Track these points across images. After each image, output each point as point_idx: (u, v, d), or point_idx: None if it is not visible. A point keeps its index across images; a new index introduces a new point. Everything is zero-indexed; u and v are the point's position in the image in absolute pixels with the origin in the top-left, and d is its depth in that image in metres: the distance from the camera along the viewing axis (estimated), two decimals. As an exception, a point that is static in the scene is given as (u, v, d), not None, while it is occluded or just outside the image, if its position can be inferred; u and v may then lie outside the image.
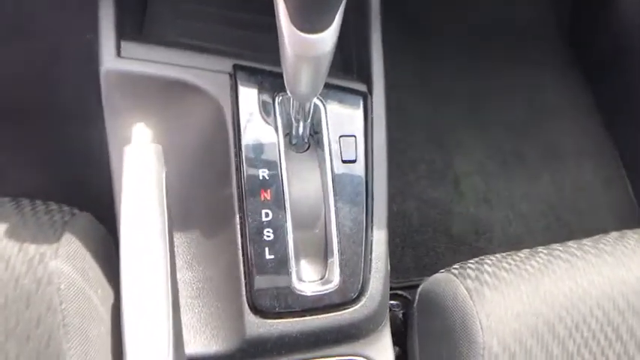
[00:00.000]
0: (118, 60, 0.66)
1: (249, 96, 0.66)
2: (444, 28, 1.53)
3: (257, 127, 0.65)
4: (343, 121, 0.68)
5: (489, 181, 1.38)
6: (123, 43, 0.68)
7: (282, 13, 0.50)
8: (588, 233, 0.83)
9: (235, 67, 0.66)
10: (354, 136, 0.68)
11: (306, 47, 0.49)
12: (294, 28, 0.49)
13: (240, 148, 0.64)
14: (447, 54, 1.51)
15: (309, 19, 0.49)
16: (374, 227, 0.66)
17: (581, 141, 1.52)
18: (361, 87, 0.71)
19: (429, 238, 1.25)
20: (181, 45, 0.71)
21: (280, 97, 0.67)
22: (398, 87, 1.25)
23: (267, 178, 0.64)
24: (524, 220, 1.39)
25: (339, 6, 0.49)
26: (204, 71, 0.66)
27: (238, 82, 0.65)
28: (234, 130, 0.65)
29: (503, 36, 1.56)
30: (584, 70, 1.59)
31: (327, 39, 0.50)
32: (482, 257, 0.75)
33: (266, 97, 0.66)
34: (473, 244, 1.29)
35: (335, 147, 0.67)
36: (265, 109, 0.66)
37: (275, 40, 0.51)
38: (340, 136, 0.67)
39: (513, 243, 1.34)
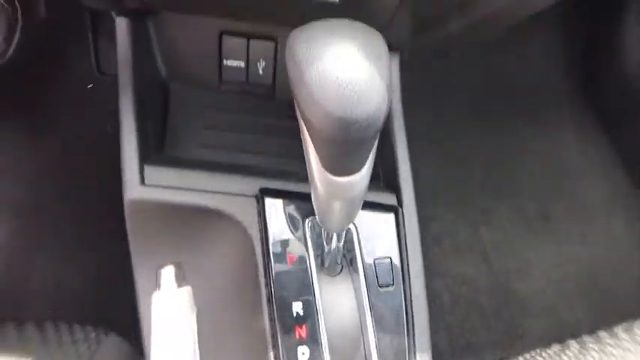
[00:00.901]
0: (142, 188, 0.66)
1: (277, 221, 0.65)
2: (456, 92, 1.53)
3: (287, 253, 0.63)
4: (376, 241, 0.66)
5: (518, 249, 1.34)
6: (146, 168, 0.68)
7: (313, 157, 0.49)
8: (627, 297, 0.78)
9: (262, 190, 0.66)
10: (390, 258, 0.66)
11: (339, 189, 0.48)
12: (326, 172, 0.48)
13: (270, 278, 0.62)
14: (461, 117, 1.51)
15: (342, 164, 0.48)
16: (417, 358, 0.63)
17: (607, 196, 1.48)
18: (390, 199, 0.70)
19: (462, 318, 1.20)
20: (204, 165, 0.71)
21: (310, 222, 0.66)
22: (412, 155, 1.24)
23: (302, 312, 0.61)
24: (559, 287, 1.34)
25: (371, 151, 0.48)
26: (229, 196, 0.66)
27: (266, 207, 0.64)
28: (263, 257, 0.63)
29: (516, 96, 1.56)
30: (601, 123, 1.57)
31: (359, 181, 0.49)
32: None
33: (295, 221, 0.65)
34: (508, 319, 1.24)
35: (370, 271, 0.65)
36: (295, 234, 0.65)
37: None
38: (375, 259, 0.65)
39: (549, 313, 1.28)
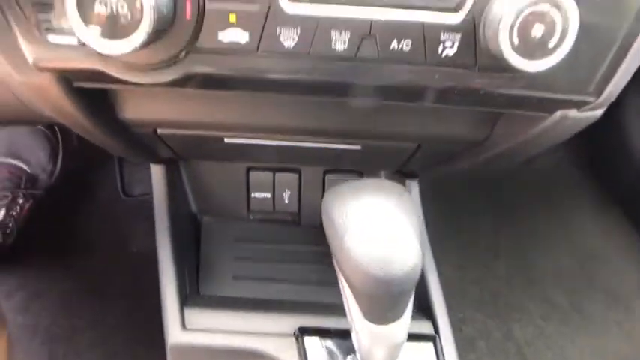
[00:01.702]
0: (184, 333, 0.68)
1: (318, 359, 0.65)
2: (469, 184, 1.57)
3: None
4: None
5: (554, 343, 1.30)
6: (186, 312, 0.70)
7: (354, 307, 0.51)
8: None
9: (301, 329, 0.67)
10: None
11: (381, 337, 0.50)
12: (368, 322, 0.50)
13: None
14: (476, 209, 1.53)
15: (383, 314, 0.50)
16: None
17: (637, 280, 1.46)
18: (426, 326, 0.71)
19: None
20: (241, 304, 0.73)
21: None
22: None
23: None
24: (602, 381, 1.29)
25: (410, 298, 0.50)
26: (269, 336, 0.67)
27: (305, 346, 0.65)
28: None
29: (529, 184, 1.59)
30: (618, 205, 1.58)
31: (400, 327, 0.51)
32: None
33: (336, 359, 0.65)
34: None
35: None
36: None
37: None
38: None
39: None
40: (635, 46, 0.55)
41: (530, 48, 0.48)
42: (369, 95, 0.56)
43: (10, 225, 1.47)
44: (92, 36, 0.47)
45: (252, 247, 0.89)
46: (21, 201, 1.52)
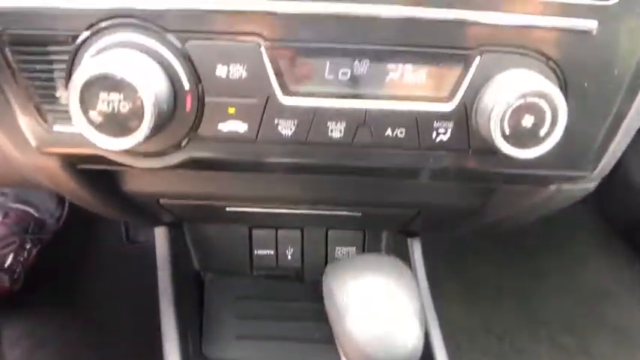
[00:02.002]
0: None
1: None
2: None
3: None
4: None
5: (564, 388, 1.29)
6: None
7: None
8: None
9: None
10: None
11: None
12: None
13: None
14: (479, 249, 1.52)
15: None
16: None
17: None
18: None
19: None
20: None
21: None
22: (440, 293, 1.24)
23: None
24: None
25: None
26: None
27: None
28: None
29: (534, 224, 1.58)
30: (623, 241, 1.57)
31: None
32: None
33: None
34: None
35: None
36: None
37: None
38: None
39: None
40: (626, 121, 0.56)
41: (522, 137, 0.49)
42: (365, 175, 0.58)
43: (18, 270, 1.49)
44: (94, 134, 0.48)
45: (255, 305, 0.89)
46: (28, 246, 1.54)
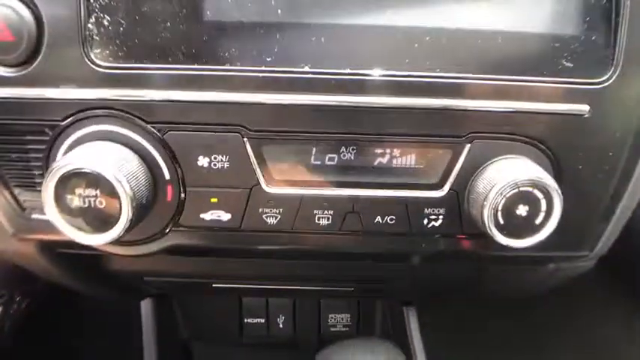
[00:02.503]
0: None
1: None
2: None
3: None
4: None
5: None
6: None
7: None
8: None
9: None
10: None
11: None
12: None
13: None
14: (489, 305, 1.48)
15: None
16: None
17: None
18: None
19: None
20: None
21: None
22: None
23: None
24: None
25: None
26: None
27: None
28: None
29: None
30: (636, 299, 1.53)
31: None
32: None
33: None
34: None
35: None
36: None
37: None
38: None
39: None
40: (623, 201, 0.54)
41: (516, 227, 0.47)
42: (354, 260, 0.55)
43: (7, 325, 1.44)
44: (70, 229, 0.46)
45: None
46: (18, 298, 1.50)
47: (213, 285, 0.70)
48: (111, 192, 0.45)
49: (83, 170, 0.45)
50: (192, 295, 0.82)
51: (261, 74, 0.47)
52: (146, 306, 0.80)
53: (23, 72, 0.48)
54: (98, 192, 0.45)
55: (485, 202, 0.47)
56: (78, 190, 0.46)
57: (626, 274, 1.53)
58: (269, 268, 0.65)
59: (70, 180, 0.45)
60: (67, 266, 0.60)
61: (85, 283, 0.65)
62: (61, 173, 0.45)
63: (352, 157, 0.50)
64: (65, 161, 0.45)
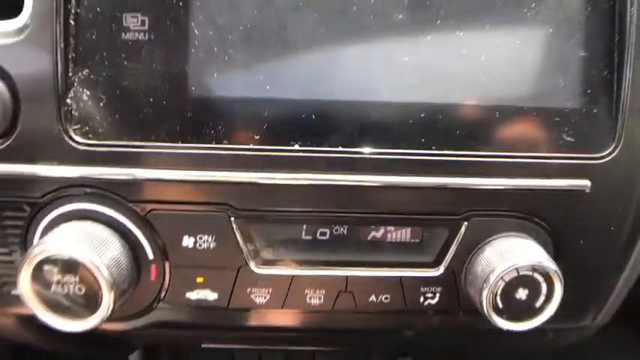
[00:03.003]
0: None
1: None
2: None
3: None
4: None
5: None
6: None
7: None
8: None
9: None
10: None
11: None
12: None
13: None
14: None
15: None
16: None
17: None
18: None
19: None
20: None
21: None
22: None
23: None
24: None
25: None
26: None
27: None
28: None
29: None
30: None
31: None
32: None
33: None
34: None
35: None
36: None
37: None
38: None
39: None
40: (625, 273, 0.52)
41: (516, 310, 0.45)
42: (347, 340, 0.53)
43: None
44: (48, 316, 0.44)
45: None
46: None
47: (203, 346, 0.67)
48: (91, 279, 0.43)
49: (61, 257, 0.42)
50: (183, 350, 0.80)
51: (248, 152, 0.45)
52: (134, 357, 0.77)
53: None
54: (77, 279, 0.43)
55: (484, 285, 0.45)
56: (56, 277, 0.43)
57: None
58: (259, 333, 0.63)
59: (47, 266, 0.43)
60: (49, 335, 0.58)
61: (70, 347, 0.62)
62: (38, 259, 0.42)
63: (345, 232, 0.48)
64: (42, 247, 0.43)
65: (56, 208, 0.47)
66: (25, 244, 0.48)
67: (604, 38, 0.46)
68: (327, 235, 0.48)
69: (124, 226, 0.46)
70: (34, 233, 0.48)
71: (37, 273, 0.43)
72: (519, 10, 0.45)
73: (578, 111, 0.46)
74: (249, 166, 0.45)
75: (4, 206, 0.48)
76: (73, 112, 0.45)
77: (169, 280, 0.48)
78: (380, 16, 0.44)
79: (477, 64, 0.45)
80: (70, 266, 0.43)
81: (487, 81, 0.45)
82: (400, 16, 0.44)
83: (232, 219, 0.46)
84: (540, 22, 0.45)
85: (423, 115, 0.45)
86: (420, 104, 0.45)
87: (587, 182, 0.47)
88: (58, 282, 0.44)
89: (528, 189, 0.46)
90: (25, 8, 0.45)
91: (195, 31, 0.44)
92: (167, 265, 0.47)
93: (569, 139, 0.46)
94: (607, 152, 0.47)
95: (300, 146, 0.45)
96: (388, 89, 0.44)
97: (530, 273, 0.44)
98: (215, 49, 0.44)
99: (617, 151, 0.47)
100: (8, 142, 0.45)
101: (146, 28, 0.44)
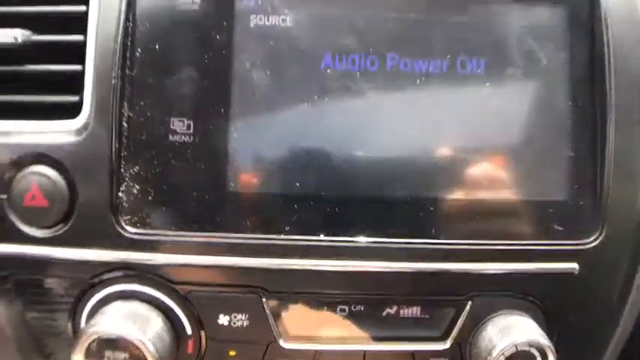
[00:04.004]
0: None
1: None
2: None
3: None
4: None
5: None
6: None
7: None
8: None
9: None
10: None
11: None
12: None
13: None
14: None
15: None
16: None
17: None
18: None
19: None
20: None
21: None
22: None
23: None
24: None
25: None
26: None
27: None
28: None
29: None
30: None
31: None
32: None
33: None
34: None
35: None
36: None
37: None
38: None
39: None
40: (614, 339, 0.58)
41: None
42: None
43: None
44: None
45: None
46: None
47: None
48: (138, 353, 0.48)
49: (111, 336, 0.48)
50: None
51: (279, 242, 0.51)
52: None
53: (54, 233, 0.51)
54: (126, 355, 0.48)
55: (487, 359, 0.51)
56: (107, 354, 0.49)
57: None
58: None
59: (99, 344, 0.48)
60: None
61: None
62: (90, 340, 0.48)
63: (362, 309, 0.54)
64: (94, 328, 0.48)
65: (104, 288, 0.52)
66: (73, 320, 0.54)
67: (588, 140, 0.53)
68: (346, 312, 0.54)
69: (166, 304, 0.51)
70: (83, 309, 0.53)
71: (90, 351, 0.48)
72: (513, 119, 0.52)
73: (566, 203, 0.53)
74: (280, 255, 0.51)
75: (56, 284, 0.53)
76: (123, 203, 0.51)
77: (205, 352, 0.53)
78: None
79: (479, 164, 0.52)
80: (119, 343, 0.48)
81: (488, 179, 0.52)
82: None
83: (264, 300, 0.52)
84: (533, 127, 0.53)
85: (432, 209, 0.52)
86: (430, 199, 0.52)
87: (575, 265, 0.53)
88: (109, 358, 0.49)
89: (523, 272, 0.53)
90: (83, 111, 0.51)
91: (235, 134, 0.51)
92: (203, 339, 0.52)
93: (558, 227, 0.53)
94: (593, 238, 0.53)
95: (324, 236, 0.51)
96: (400, 188, 0.51)
97: (527, 348, 0.50)
98: (251, 151, 0.51)
99: (601, 237, 0.53)
100: (64, 229, 0.51)
101: (191, 131, 0.51)
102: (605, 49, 0.54)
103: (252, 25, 0.51)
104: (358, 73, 0.51)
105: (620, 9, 0.56)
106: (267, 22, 0.51)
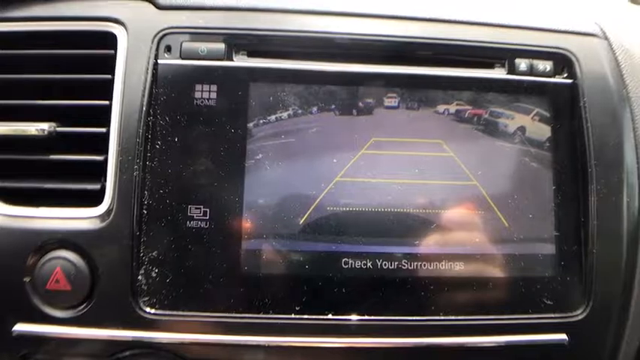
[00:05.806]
0: None
1: None
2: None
3: None
4: None
5: None
6: None
7: None
8: None
9: None
10: None
11: None
12: None
13: None
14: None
15: None
16: None
17: None
18: None
19: None
20: None
21: None
22: None
23: None
24: None
25: None
26: None
27: None
28: None
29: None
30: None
31: None
32: None
33: None
34: None
35: None
36: None
37: None
38: None
39: None
40: None
41: None
42: None
43: None
44: None
45: None
46: None
47: None
48: None
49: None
50: None
51: (290, 321, 0.54)
52: None
53: (75, 314, 0.54)
54: None
55: None
56: None
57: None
58: None
59: None
60: None
61: None
62: None
63: None
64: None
65: None
66: None
67: (573, 221, 0.58)
68: None
69: None
70: None
71: None
72: (505, 202, 0.57)
73: (555, 278, 0.57)
74: (291, 333, 0.54)
75: None
76: (142, 286, 0.54)
77: None
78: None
79: (472, 243, 0.56)
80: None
81: (482, 258, 0.57)
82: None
83: None
84: (523, 210, 0.58)
85: (432, 287, 0.56)
86: (425, 277, 0.56)
87: (564, 337, 0.57)
88: None
89: (516, 344, 0.57)
90: (105, 198, 0.55)
91: (248, 221, 0.54)
92: None
93: (548, 302, 0.57)
94: (581, 311, 0.58)
95: (332, 315, 0.55)
96: (397, 266, 0.55)
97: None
98: (263, 236, 0.55)
99: (588, 309, 0.58)
100: (85, 310, 0.54)
101: (207, 217, 0.55)
102: (585, 135, 0.59)
103: (263, 120, 0.57)
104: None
105: (595, 94, 0.61)
106: (278, 118, 0.56)
